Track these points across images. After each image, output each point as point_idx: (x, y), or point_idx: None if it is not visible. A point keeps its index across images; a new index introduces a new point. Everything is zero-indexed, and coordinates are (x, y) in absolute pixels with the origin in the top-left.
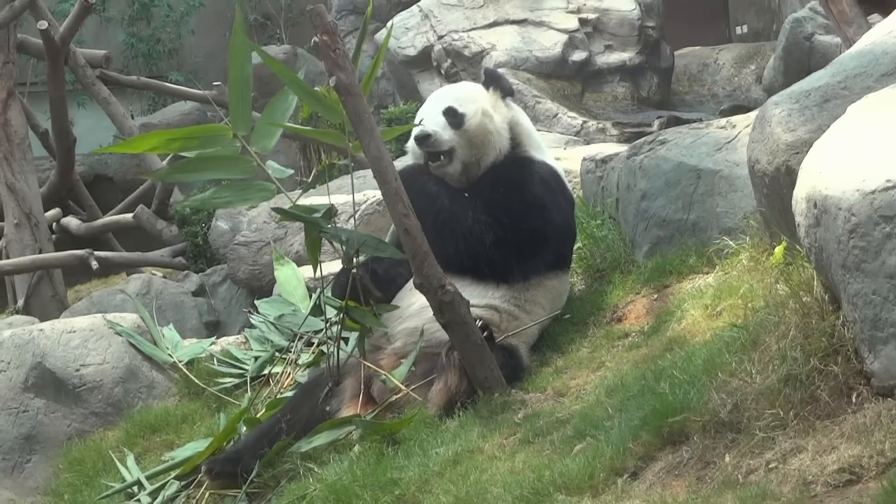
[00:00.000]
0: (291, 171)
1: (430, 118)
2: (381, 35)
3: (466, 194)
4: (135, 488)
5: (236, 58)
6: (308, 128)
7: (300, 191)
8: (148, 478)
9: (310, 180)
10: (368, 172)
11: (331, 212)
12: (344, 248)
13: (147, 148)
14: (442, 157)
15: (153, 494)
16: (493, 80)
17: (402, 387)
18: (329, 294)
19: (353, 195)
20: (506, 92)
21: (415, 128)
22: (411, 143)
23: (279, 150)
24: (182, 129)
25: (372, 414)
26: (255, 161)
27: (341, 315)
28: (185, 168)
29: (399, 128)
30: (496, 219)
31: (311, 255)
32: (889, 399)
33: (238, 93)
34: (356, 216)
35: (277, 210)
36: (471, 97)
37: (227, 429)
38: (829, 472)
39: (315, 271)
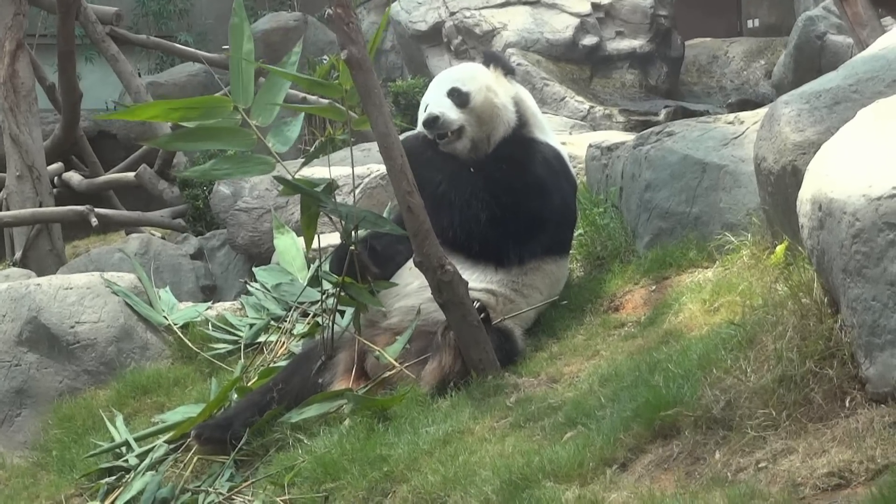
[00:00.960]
0: (291, 144)
1: (434, 102)
2: (395, 9)
3: (472, 170)
4: (123, 449)
5: (237, 36)
6: (307, 105)
7: (301, 162)
8: (137, 439)
9: (311, 152)
10: (373, 145)
11: (331, 186)
12: (343, 223)
13: (149, 116)
14: (450, 133)
15: (141, 456)
16: (492, 59)
17: (396, 363)
18: (327, 268)
19: (353, 169)
20: (507, 70)
21: (422, 114)
22: (420, 130)
23: (283, 116)
24: (183, 100)
25: (364, 389)
26: (255, 134)
27: (337, 290)
28: (185, 137)
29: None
30: (495, 197)
31: (306, 231)
32: (882, 405)
33: (239, 66)
34: (357, 190)
35: (279, 179)
36: (472, 75)
37: (219, 397)
38: (818, 475)
39: (308, 247)
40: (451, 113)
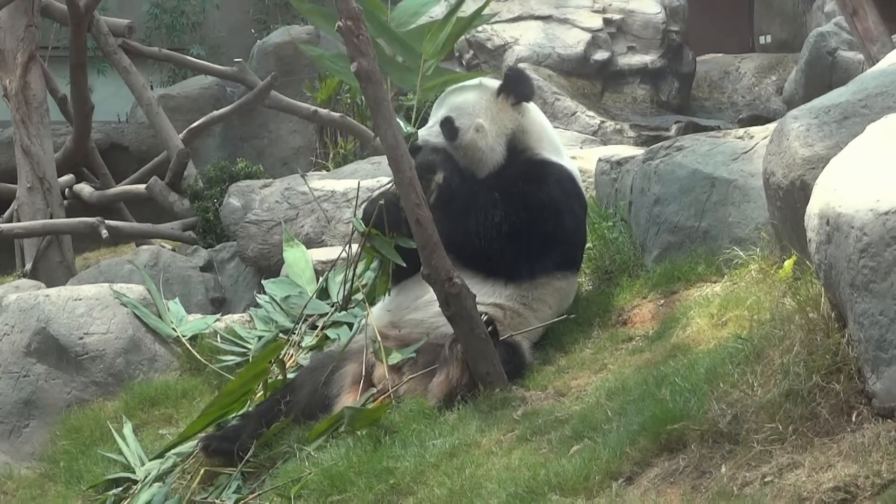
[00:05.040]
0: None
1: (428, 126)
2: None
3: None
4: (131, 460)
5: None
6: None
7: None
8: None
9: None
10: (383, 158)
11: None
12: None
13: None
14: None
15: (149, 469)
16: (510, 86)
17: (384, 365)
18: (358, 217)
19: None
20: (522, 98)
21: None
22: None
23: (296, 131)
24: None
25: (368, 398)
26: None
27: (363, 241)
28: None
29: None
30: (513, 211)
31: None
32: (889, 420)
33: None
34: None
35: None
36: (470, 109)
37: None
38: (824, 489)
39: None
40: (436, 143)
